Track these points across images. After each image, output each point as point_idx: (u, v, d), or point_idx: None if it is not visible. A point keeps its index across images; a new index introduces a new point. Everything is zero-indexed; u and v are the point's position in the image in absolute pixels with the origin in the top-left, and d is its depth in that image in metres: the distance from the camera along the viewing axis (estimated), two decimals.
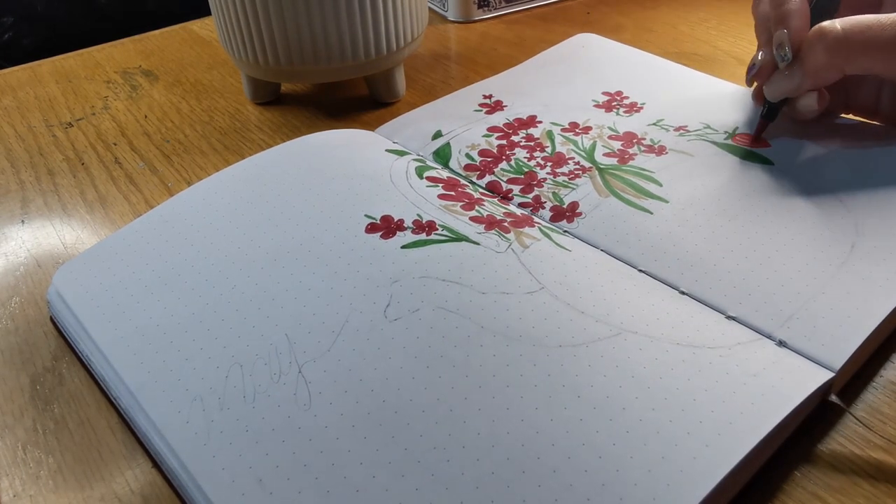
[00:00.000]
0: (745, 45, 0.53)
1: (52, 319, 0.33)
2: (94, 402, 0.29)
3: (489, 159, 0.40)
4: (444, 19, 0.62)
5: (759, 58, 0.38)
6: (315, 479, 0.23)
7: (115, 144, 0.46)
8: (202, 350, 0.28)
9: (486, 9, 0.61)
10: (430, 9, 0.63)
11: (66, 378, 0.30)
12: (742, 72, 0.49)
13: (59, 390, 0.29)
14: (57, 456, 0.27)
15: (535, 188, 0.37)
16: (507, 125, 0.43)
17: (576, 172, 0.38)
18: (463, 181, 0.38)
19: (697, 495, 0.22)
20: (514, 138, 0.41)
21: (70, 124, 0.48)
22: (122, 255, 0.33)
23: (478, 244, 0.32)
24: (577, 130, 0.42)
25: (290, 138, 0.42)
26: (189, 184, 0.41)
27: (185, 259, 0.33)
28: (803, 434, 0.26)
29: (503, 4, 0.62)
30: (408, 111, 0.46)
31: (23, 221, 0.40)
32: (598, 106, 0.44)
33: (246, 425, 0.25)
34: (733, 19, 0.58)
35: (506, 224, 0.34)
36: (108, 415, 0.28)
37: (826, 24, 0.35)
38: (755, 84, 0.41)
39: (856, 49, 0.34)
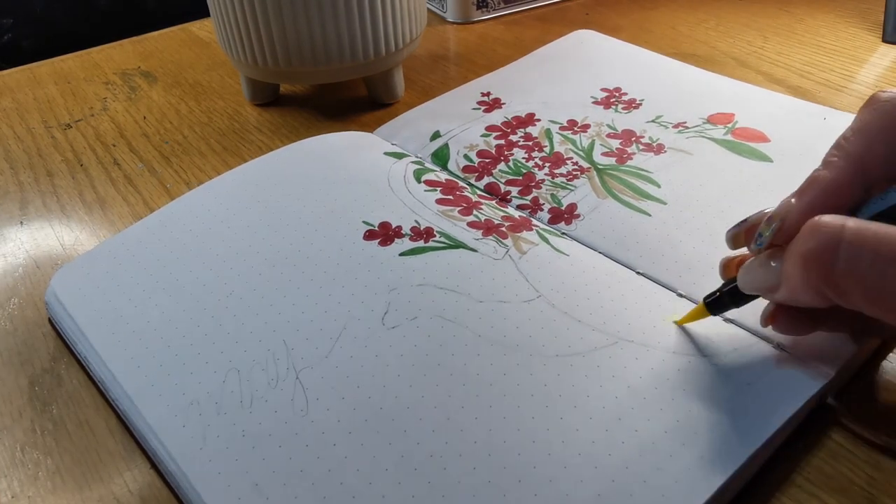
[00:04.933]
0: (744, 46, 0.53)
1: (50, 321, 0.33)
2: (93, 404, 0.29)
3: (487, 160, 0.40)
4: (443, 20, 0.62)
5: (753, 216, 0.27)
6: (311, 485, 0.24)
7: (113, 146, 0.46)
8: (199, 355, 0.28)
9: (484, 10, 0.61)
10: (428, 10, 0.63)
11: (65, 379, 0.30)
12: (741, 73, 0.49)
13: (58, 391, 0.29)
14: (55, 457, 0.27)
15: (534, 189, 0.37)
16: (506, 123, 0.43)
17: (574, 173, 0.38)
18: (461, 183, 0.38)
19: None
20: (513, 138, 0.41)
21: (69, 125, 0.48)
22: (120, 259, 0.33)
23: (475, 251, 0.32)
24: (575, 129, 0.42)
25: (289, 139, 0.42)
26: (188, 185, 0.41)
27: (184, 264, 0.33)
28: (801, 435, 0.26)
29: (502, 5, 0.62)
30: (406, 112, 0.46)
31: (21, 223, 0.40)
32: (596, 103, 0.44)
33: (243, 430, 0.25)
34: (732, 20, 0.58)
35: (503, 229, 0.34)
36: (107, 416, 0.28)
37: (826, 218, 0.22)
38: (733, 251, 0.28)
39: (860, 269, 0.21)
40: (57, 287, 0.32)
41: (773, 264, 0.24)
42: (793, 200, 0.25)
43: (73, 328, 0.30)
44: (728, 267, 0.28)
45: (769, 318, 0.26)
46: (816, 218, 0.22)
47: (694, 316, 0.28)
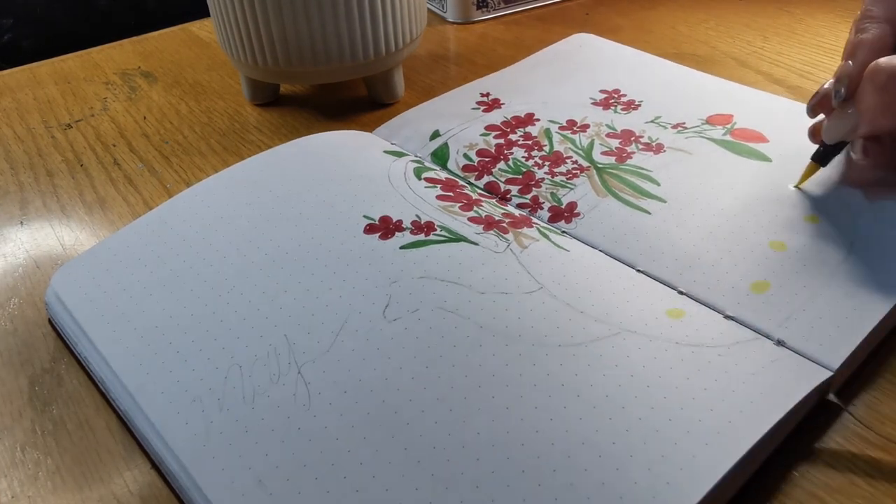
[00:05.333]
0: (744, 46, 0.53)
1: (50, 321, 0.33)
2: (93, 404, 0.29)
3: (487, 159, 0.40)
4: (443, 20, 0.62)
5: (823, 88, 0.34)
6: (315, 480, 0.23)
7: (114, 146, 0.46)
8: (201, 351, 0.28)
9: (484, 10, 0.61)
10: (428, 10, 0.63)
11: (65, 379, 0.30)
12: (741, 73, 0.49)
13: (58, 391, 0.29)
14: (55, 457, 0.27)
15: (534, 188, 0.37)
16: (505, 123, 0.43)
17: (573, 172, 0.38)
18: (461, 182, 0.38)
19: (697, 494, 0.22)
20: (512, 137, 0.41)
21: (69, 125, 0.48)
22: (120, 256, 0.33)
23: (476, 244, 0.32)
24: (574, 128, 0.42)
25: (289, 139, 0.42)
26: (188, 185, 0.41)
27: (184, 261, 0.33)
28: (802, 433, 0.26)
29: (502, 5, 0.62)
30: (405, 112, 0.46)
31: (21, 223, 0.40)
32: (595, 104, 0.44)
33: (245, 426, 0.25)
34: (732, 20, 0.58)
35: (504, 224, 0.34)
36: (107, 416, 0.28)
37: (883, 59, 0.30)
38: (814, 118, 0.35)
39: None
40: (57, 286, 0.32)
41: (849, 111, 0.32)
42: (849, 62, 0.32)
43: (74, 327, 0.30)
44: (815, 131, 0.35)
45: (862, 151, 0.34)
46: (873, 63, 0.30)
47: (808, 173, 0.35)
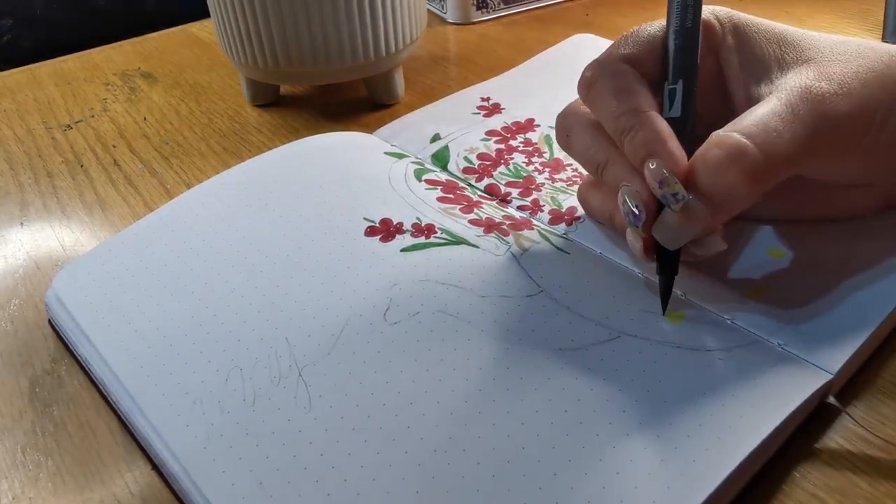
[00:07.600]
0: None
1: (50, 322, 0.33)
2: (94, 405, 0.29)
3: (487, 163, 0.40)
4: (443, 21, 0.62)
5: (630, 201, 0.28)
6: (315, 482, 0.23)
7: (114, 146, 0.46)
8: (202, 353, 0.28)
9: (484, 10, 0.61)
10: (428, 10, 0.63)
11: (66, 380, 0.30)
12: None
13: (59, 393, 0.29)
14: (56, 458, 0.27)
15: (534, 191, 0.37)
16: (505, 128, 0.43)
17: (574, 179, 0.38)
18: (462, 184, 0.38)
19: (698, 498, 0.22)
20: (513, 143, 0.41)
21: (69, 126, 0.48)
22: (121, 258, 0.33)
23: (477, 247, 0.32)
24: None
25: (289, 140, 0.42)
26: (188, 186, 0.41)
27: (185, 263, 0.33)
28: (802, 434, 0.26)
29: (502, 6, 0.62)
30: (406, 113, 0.46)
31: (22, 224, 0.40)
32: None
33: (246, 428, 0.25)
34: None
35: (505, 227, 0.34)
36: (108, 417, 0.28)
37: (730, 136, 0.26)
38: (640, 239, 0.29)
39: (786, 162, 0.26)
40: (58, 287, 0.32)
41: (691, 209, 0.26)
42: (658, 162, 0.27)
43: (74, 328, 0.30)
44: (646, 248, 0.29)
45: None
46: (718, 139, 0.26)
47: (667, 294, 0.29)
